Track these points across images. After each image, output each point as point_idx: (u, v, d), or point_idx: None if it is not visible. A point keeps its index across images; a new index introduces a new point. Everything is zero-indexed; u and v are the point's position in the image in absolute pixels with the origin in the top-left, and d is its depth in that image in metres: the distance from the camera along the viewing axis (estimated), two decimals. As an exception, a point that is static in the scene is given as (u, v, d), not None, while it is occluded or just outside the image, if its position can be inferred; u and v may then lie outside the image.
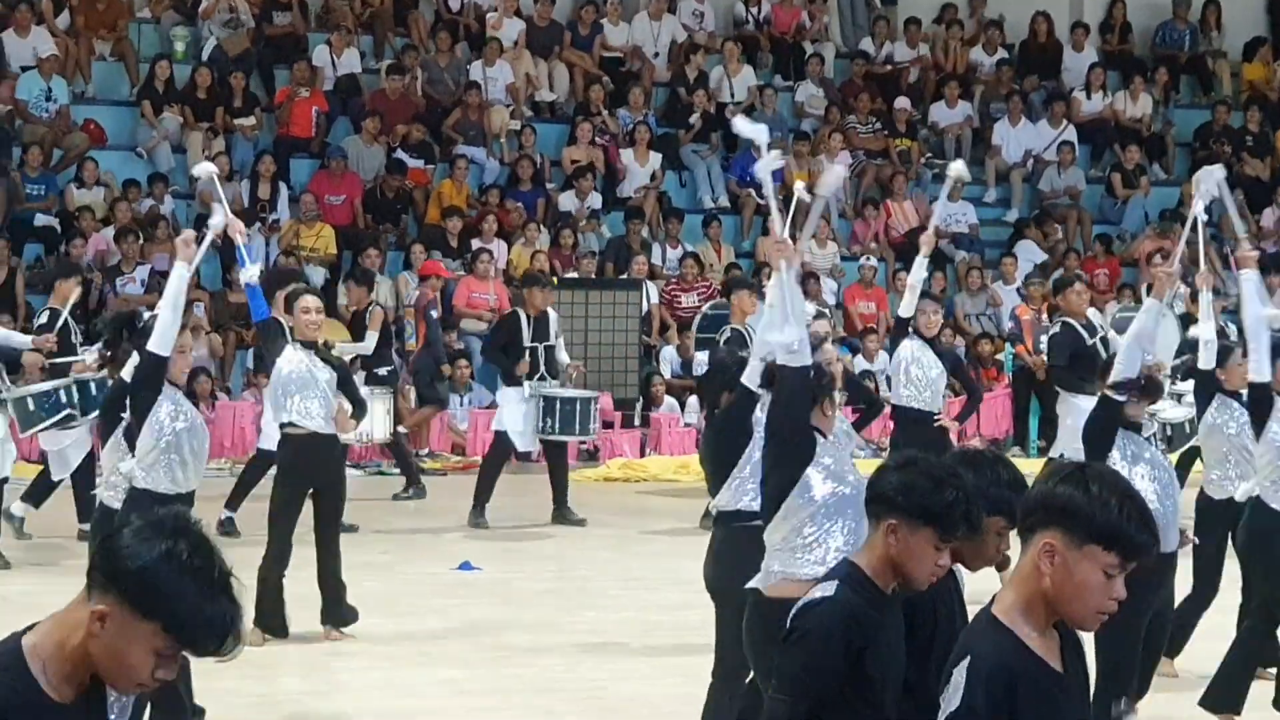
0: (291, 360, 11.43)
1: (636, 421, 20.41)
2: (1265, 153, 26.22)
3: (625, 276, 21.60)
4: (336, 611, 11.49)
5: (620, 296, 20.59)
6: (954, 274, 23.79)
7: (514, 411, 16.05)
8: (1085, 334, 15.29)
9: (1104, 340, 15.41)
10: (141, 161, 22.45)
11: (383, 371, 17.24)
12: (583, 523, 15.92)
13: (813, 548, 6.81)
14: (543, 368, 16.12)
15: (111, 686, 3.64)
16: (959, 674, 4.08)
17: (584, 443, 17.04)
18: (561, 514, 16.14)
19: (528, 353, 16.09)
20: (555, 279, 20.76)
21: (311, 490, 11.48)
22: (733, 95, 24.92)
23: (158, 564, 3.51)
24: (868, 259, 23.34)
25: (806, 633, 5.01)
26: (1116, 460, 8.34)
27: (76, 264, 18.71)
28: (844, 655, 4.98)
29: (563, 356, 16.58)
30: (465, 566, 14.00)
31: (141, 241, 20.87)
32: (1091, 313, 15.75)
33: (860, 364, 21.91)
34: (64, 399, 14.04)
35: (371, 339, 16.79)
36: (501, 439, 16.21)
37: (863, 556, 5.12)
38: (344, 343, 16.76)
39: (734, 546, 7.86)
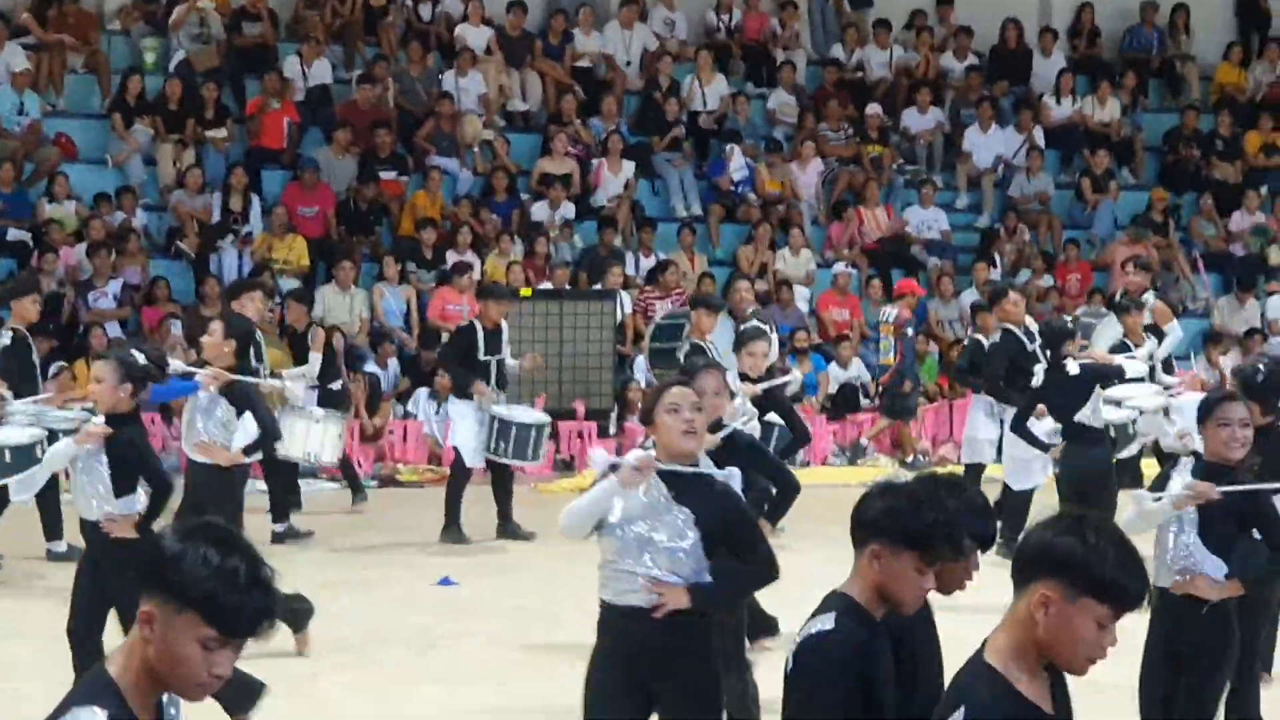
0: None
1: (611, 431, 20.41)
2: (1235, 156, 26.32)
3: (599, 286, 21.62)
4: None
5: (594, 306, 20.60)
6: (927, 280, 23.85)
7: (468, 427, 15.91)
8: (1025, 340, 15.51)
9: (1037, 352, 15.53)
10: (113, 174, 22.40)
11: (336, 387, 17.37)
12: (531, 536, 15.80)
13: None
14: (494, 381, 16.01)
15: (179, 694, 3.82)
16: None
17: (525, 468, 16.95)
18: (508, 529, 16.07)
19: (484, 367, 15.93)
20: (530, 290, 20.80)
21: None
22: (705, 103, 24.96)
23: (188, 558, 3.68)
24: (843, 265, 23.40)
25: (813, 670, 5.02)
26: None
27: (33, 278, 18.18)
28: (853, 687, 4.99)
29: (512, 364, 16.46)
30: (445, 582, 14.00)
31: (113, 256, 20.81)
32: (1029, 321, 16.02)
33: (835, 372, 22.00)
34: (39, 454, 13.32)
35: (315, 360, 16.91)
36: (458, 455, 16.12)
37: (853, 586, 5.13)
38: (287, 369, 16.61)
39: None
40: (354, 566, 14.51)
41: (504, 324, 16.25)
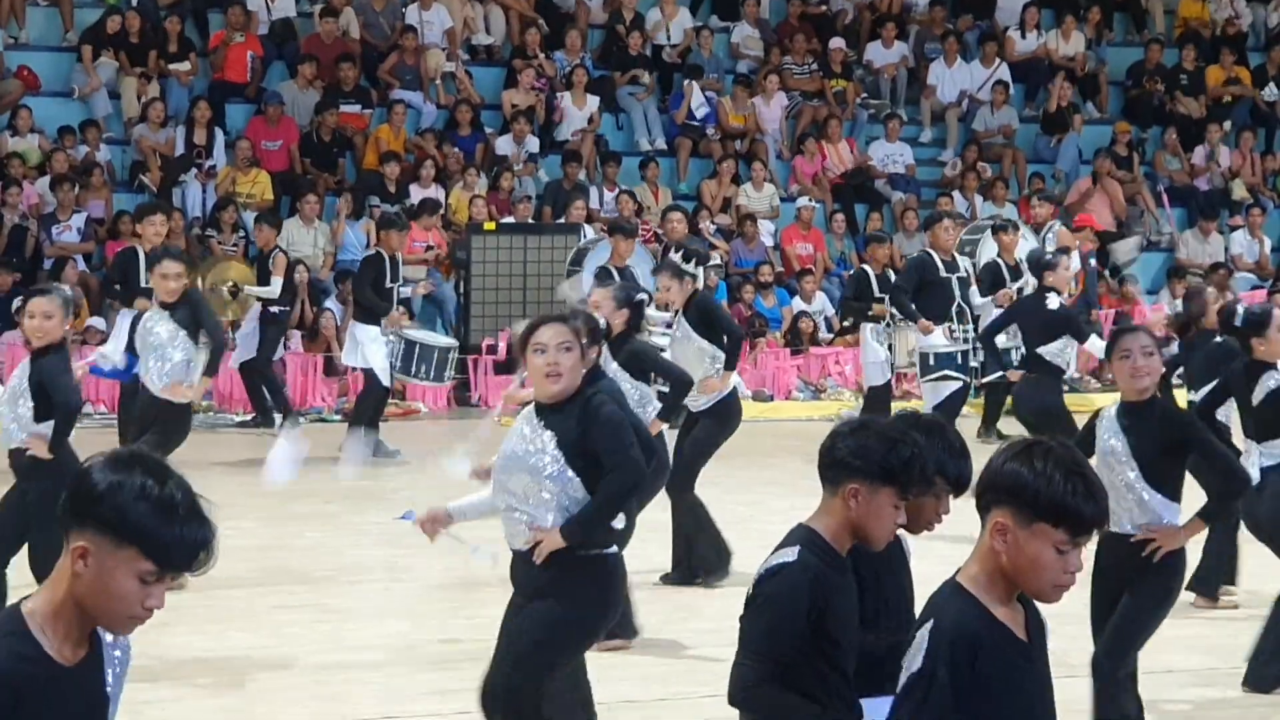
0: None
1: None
2: (1198, 90, 26.38)
3: (562, 220, 21.62)
4: None
5: (558, 240, 20.59)
6: (891, 215, 23.89)
7: (378, 349, 16.59)
8: (942, 268, 15.84)
9: (963, 280, 16.04)
10: (76, 107, 22.32)
11: (275, 310, 18.32)
12: (396, 454, 16.37)
13: None
14: (396, 305, 16.88)
15: (108, 628, 3.71)
16: (922, 636, 4.14)
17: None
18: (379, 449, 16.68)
19: (390, 293, 16.74)
20: (494, 224, 20.84)
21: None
22: (669, 37, 24.92)
23: (124, 491, 3.59)
24: (806, 200, 23.42)
25: (771, 597, 5.13)
26: None
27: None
28: (807, 617, 5.10)
29: (404, 291, 17.76)
30: (408, 516, 13.97)
31: (77, 190, 20.78)
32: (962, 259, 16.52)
33: (798, 305, 22.04)
34: None
35: (276, 283, 18.02)
36: (373, 376, 16.70)
37: (820, 521, 5.21)
38: (250, 286, 18.11)
39: None
40: (317, 500, 14.53)
41: (399, 253, 17.15)
